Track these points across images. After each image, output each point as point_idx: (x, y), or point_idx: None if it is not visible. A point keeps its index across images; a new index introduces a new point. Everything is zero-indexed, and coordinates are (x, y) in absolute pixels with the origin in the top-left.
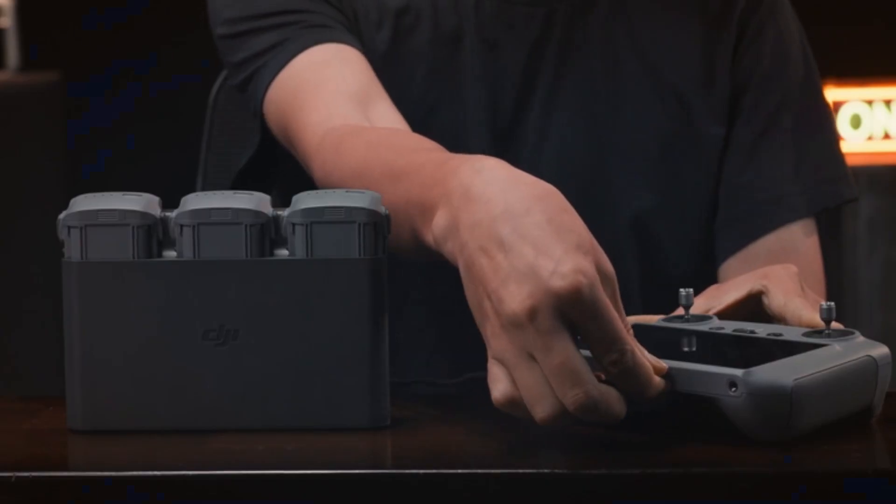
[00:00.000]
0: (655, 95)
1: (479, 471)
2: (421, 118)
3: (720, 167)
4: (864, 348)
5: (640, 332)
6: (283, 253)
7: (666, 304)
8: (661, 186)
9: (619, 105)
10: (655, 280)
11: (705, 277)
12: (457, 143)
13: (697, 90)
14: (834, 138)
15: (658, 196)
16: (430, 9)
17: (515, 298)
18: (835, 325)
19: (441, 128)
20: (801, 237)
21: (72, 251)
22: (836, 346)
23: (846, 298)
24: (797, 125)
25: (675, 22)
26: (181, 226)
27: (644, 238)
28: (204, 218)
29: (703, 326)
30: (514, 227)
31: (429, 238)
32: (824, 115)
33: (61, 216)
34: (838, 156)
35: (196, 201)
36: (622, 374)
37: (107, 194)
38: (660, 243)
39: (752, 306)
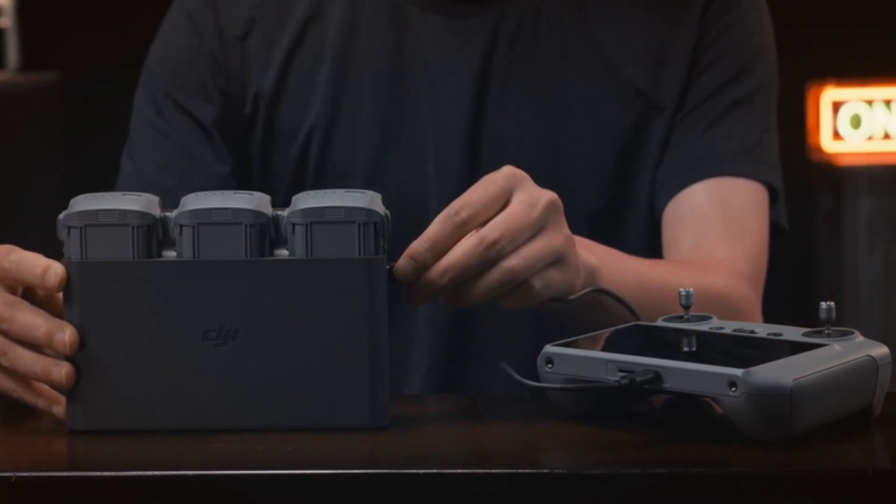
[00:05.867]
0: (615, 92)
1: (479, 471)
2: (379, 132)
3: (669, 136)
4: (863, 348)
5: (641, 331)
6: (283, 253)
7: None
8: (621, 179)
9: (577, 103)
10: None
11: None
12: (416, 156)
13: (655, 83)
14: (776, 139)
15: (617, 189)
16: (367, 24)
17: None
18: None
19: (399, 140)
20: (737, 194)
21: (72, 251)
22: (836, 346)
23: (846, 298)
24: (757, 111)
25: (632, 17)
26: (181, 226)
27: (603, 229)
28: (204, 218)
29: (703, 326)
30: None
31: None
32: (774, 110)
33: (61, 216)
34: (777, 153)
35: (196, 201)
36: None
37: (107, 194)
38: (619, 234)
39: None
